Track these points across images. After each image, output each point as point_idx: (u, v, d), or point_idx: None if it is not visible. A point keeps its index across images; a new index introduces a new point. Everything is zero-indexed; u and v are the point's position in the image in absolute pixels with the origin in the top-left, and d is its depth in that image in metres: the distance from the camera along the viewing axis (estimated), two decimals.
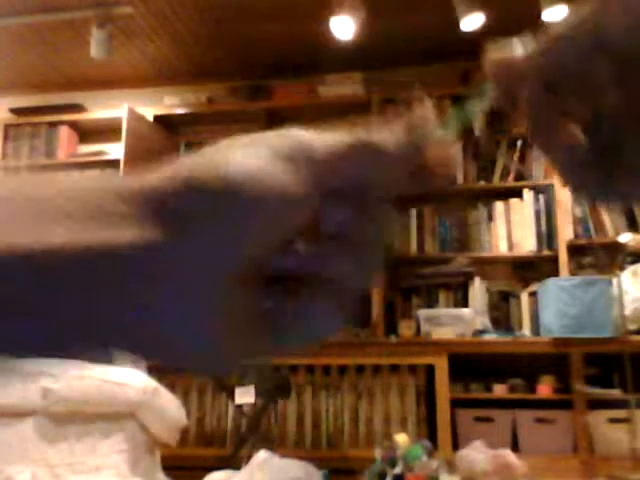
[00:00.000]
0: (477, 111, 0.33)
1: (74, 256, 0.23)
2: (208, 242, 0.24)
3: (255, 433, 3.30)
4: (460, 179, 3.98)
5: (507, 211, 3.92)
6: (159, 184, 0.25)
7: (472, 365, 3.54)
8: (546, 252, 3.82)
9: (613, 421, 3.32)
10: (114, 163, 4.16)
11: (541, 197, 3.88)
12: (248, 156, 0.25)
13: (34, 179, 0.26)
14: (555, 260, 3.76)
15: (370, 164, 0.27)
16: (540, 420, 3.43)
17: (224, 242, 0.24)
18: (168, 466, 2.68)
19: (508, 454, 2.69)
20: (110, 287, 0.24)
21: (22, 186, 0.26)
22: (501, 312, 3.91)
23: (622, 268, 3.45)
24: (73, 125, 4.45)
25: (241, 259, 0.25)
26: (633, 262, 3.53)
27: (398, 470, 2.24)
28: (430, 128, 0.29)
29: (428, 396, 3.53)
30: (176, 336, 0.25)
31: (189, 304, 0.25)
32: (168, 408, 2.42)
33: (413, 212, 4.00)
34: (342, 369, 3.67)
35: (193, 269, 0.24)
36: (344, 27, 3.67)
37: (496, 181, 3.99)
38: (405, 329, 3.75)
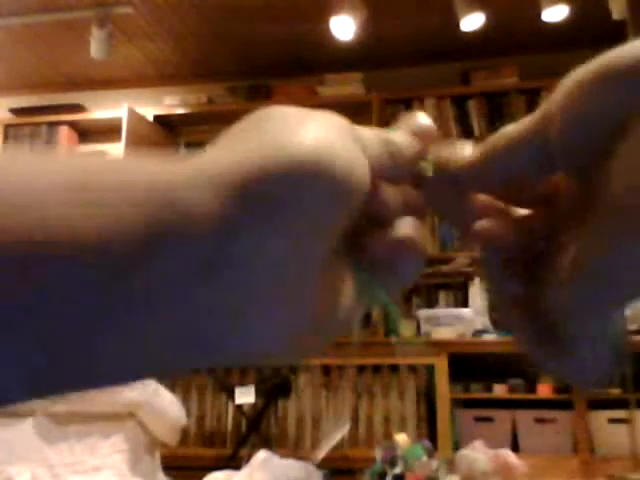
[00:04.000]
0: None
1: (148, 242, 0.20)
2: (295, 229, 0.22)
3: (255, 433, 3.30)
4: None
5: None
6: (229, 169, 0.22)
7: (472, 365, 3.54)
8: None
9: (613, 421, 3.32)
10: None
11: None
12: (320, 133, 0.23)
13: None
14: None
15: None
16: (540, 420, 3.42)
17: (310, 228, 0.22)
18: (168, 466, 2.68)
19: (508, 454, 2.69)
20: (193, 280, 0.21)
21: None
22: None
23: None
24: (73, 125, 4.45)
25: (327, 244, 0.24)
26: None
27: (398, 470, 2.23)
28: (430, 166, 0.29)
29: (428, 396, 3.53)
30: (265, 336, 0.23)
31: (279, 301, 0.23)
32: (168, 408, 2.41)
33: None
34: (342, 369, 3.67)
35: (281, 259, 0.22)
36: (344, 27, 3.67)
37: None
38: (405, 329, 3.75)
